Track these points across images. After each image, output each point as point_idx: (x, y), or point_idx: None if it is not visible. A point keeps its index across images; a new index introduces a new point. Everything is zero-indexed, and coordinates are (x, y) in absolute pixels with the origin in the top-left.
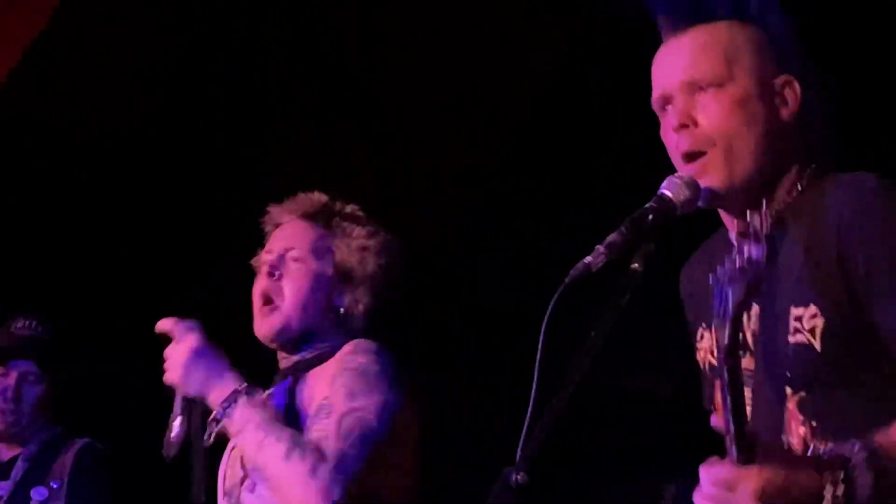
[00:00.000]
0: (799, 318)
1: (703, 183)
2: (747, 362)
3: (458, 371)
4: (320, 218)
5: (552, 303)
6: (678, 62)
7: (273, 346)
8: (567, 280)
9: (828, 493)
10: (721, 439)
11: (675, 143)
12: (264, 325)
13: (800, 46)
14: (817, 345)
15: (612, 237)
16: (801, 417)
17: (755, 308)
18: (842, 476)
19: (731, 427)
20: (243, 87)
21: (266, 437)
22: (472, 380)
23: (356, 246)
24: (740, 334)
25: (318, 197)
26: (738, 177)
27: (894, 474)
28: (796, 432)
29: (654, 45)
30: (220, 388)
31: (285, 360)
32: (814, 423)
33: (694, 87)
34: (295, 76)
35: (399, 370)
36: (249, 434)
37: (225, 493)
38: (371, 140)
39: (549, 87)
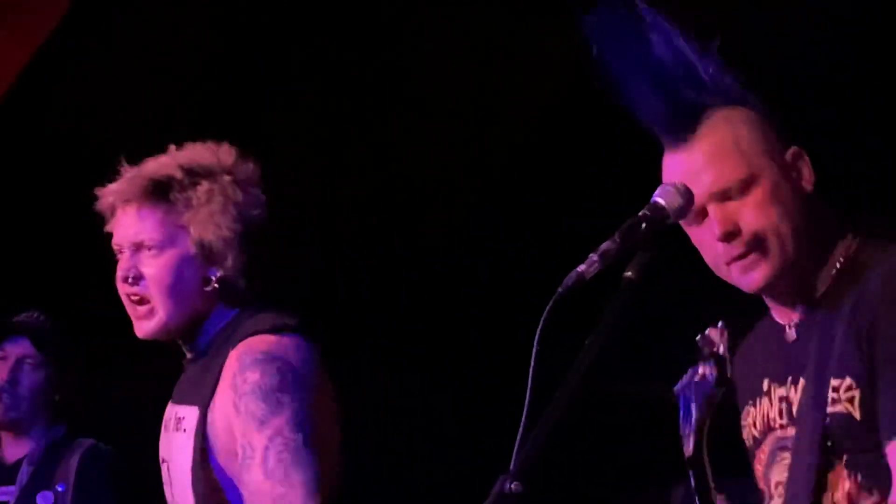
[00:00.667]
0: (836, 389)
1: (755, 275)
2: (789, 432)
3: (456, 377)
4: (159, 194)
5: (546, 311)
6: (699, 178)
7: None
8: (560, 289)
9: None
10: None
11: (722, 250)
12: (144, 329)
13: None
14: (857, 414)
15: (605, 245)
16: (846, 473)
17: (801, 381)
18: None
19: None
20: (258, 93)
21: None
22: (469, 386)
23: (205, 215)
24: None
25: (147, 170)
26: (789, 263)
27: None
28: (842, 489)
29: None
30: None
31: (188, 350)
32: (859, 478)
33: (724, 196)
34: (305, 78)
35: (296, 367)
36: None
37: None
38: (375, 141)
39: (555, 97)
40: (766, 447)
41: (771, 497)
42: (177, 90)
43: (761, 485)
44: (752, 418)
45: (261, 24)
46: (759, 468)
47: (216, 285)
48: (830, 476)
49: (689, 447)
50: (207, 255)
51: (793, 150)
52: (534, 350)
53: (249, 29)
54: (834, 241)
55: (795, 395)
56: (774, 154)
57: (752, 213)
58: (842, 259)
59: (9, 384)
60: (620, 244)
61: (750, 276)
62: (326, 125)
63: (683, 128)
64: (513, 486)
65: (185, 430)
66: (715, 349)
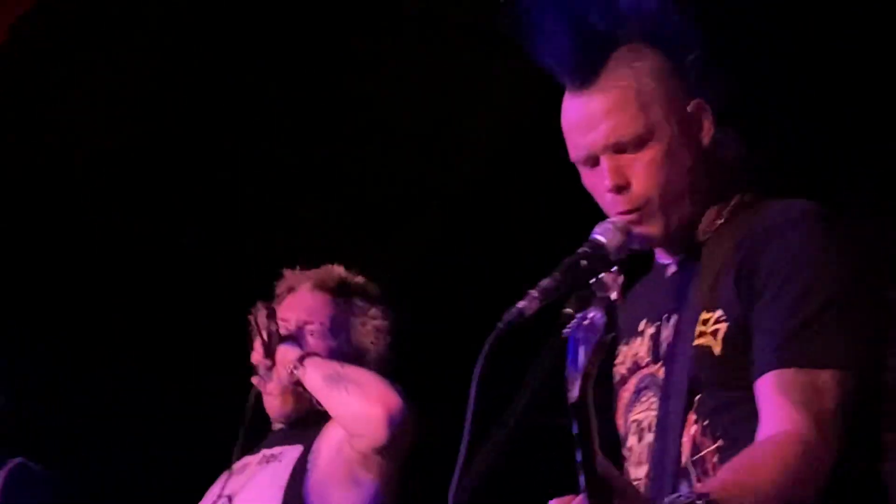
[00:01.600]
0: (706, 322)
1: (640, 231)
2: (658, 370)
3: None
4: (339, 293)
5: (485, 347)
6: (596, 126)
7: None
8: (500, 324)
9: None
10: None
11: (610, 200)
12: (279, 406)
13: (709, 65)
14: (717, 348)
15: (544, 282)
16: (694, 416)
17: (673, 318)
18: None
19: (582, 474)
20: (219, 117)
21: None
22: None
23: (372, 327)
24: (653, 347)
25: (337, 270)
26: (676, 222)
27: None
28: (689, 432)
29: None
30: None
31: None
32: (705, 423)
33: (618, 148)
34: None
35: None
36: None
37: None
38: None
39: (505, 133)
40: (631, 385)
41: (626, 436)
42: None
43: (619, 420)
44: (623, 357)
45: (223, 51)
46: (620, 406)
47: None
48: (688, 417)
49: (574, 392)
50: (356, 358)
51: (696, 102)
52: (473, 385)
53: (211, 55)
54: (729, 195)
55: (667, 332)
56: (676, 106)
57: (643, 172)
58: (731, 208)
59: None
60: (561, 281)
61: (639, 233)
62: (286, 149)
63: (587, 69)
64: None
65: (279, 461)
66: (607, 293)
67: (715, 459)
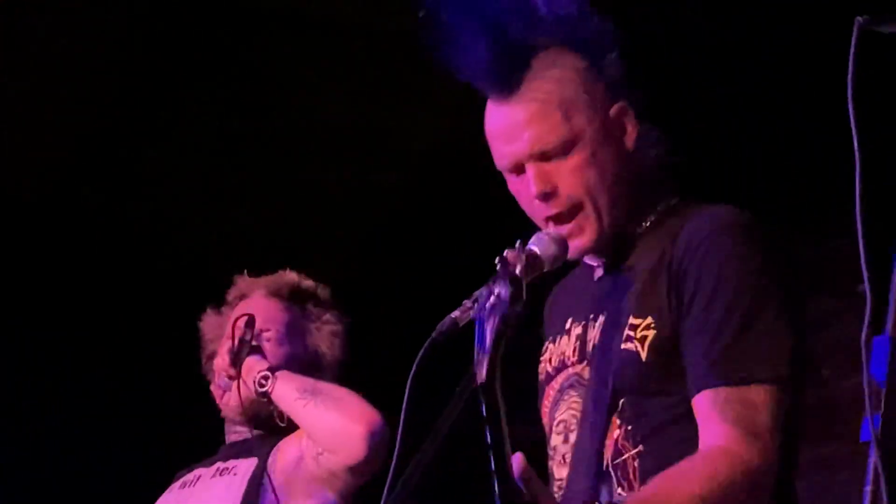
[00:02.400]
0: (634, 328)
1: (576, 242)
2: (583, 370)
3: None
4: (292, 299)
5: (418, 358)
6: (520, 135)
7: (237, 419)
8: (433, 335)
9: None
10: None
11: (538, 208)
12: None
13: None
14: (643, 354)
15: (479, 292)
16: (618, 421)
17: (600, 319)
18: None
19: (493, 466)
20: (149, 127)
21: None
22: None
23: (327, 331)
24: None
25: (289, 276)
26: (609, 226)
27: None
28: (612, 435)
29: None
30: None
31: (235, 435)
32: (629, 427)
33: (543, 156)
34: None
35: None
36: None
37: None
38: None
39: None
40: (556, 384)
41: (551, 435)
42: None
43: (544, 418)
44: (550, 354)
45: (153, 60)
46: (546, 404)
47: None
48: (610, 421)
49: (481, 373)
50: (312, 363)
51: (618, 105)
52: (406, 395)
53: (139, 64)
54: (655, 199)
55: (593, 333)
56: (598, 111)
57: (569, 178)
58: (659, 211)
59: None
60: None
61: (573, 244)
62: (218, 160)
63: (507, 80)
64: None
65: (234, 474)
66: (510, 268)
67: (636, 464)
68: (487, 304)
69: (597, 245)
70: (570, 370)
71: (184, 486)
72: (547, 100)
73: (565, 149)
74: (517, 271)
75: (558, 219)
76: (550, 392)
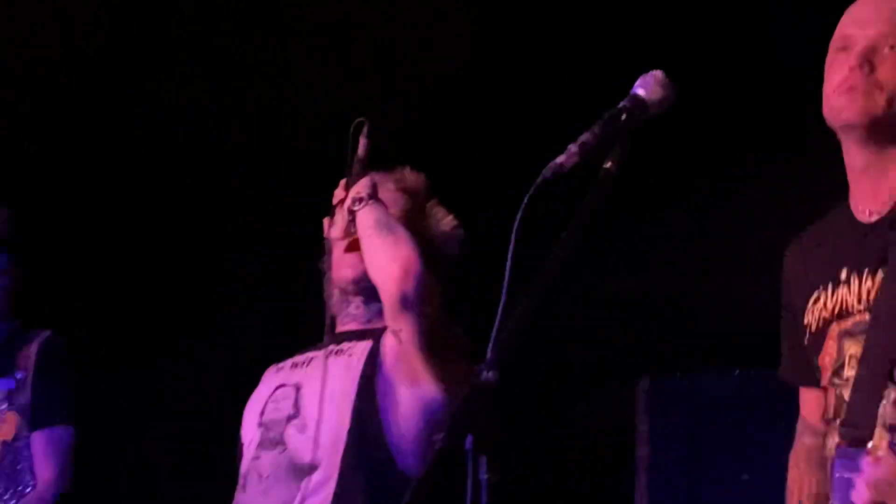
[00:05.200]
0: None
1: (851, 107)
2: (864, 317)
3: None
4: (419, 196)
5: (524, 202)
6: (874, 20)
7: (349, 288)
8: (538, 179)
9: None
10: None
11: (841, 78)
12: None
13: None
14: None
15: (584, 137)
16: None
17: (882, 269)
18: None
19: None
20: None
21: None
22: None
23: (445, 229)
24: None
25: (419, 176)
26: (881, 121)
27: None
28: (890, 396)
29: None
30: None
31: (346, 322)
32: None
33: (881, 43)
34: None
35: None
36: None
37: (261, 424)
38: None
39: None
40: (839, 327)
41: (842, 367)
42: None
43: (825, 359)
44: (824, 302)
45: None
46: (829, 344)
47: None
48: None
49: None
50: (428, 250)
51: None
52: (511, 241)
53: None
54: None
55: (873, 283)
56: None
57: (890, 66)
58: None
59: None
60: (599, 136)
61: (849, 107)
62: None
63: None
64: (489, 375)
65: (350, 355)
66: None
67: None
68: None
69: (862, 121)
70: (856, 318)
71: (295, 366)
72: None
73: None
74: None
75: (854, 88)
76: (834, 333)
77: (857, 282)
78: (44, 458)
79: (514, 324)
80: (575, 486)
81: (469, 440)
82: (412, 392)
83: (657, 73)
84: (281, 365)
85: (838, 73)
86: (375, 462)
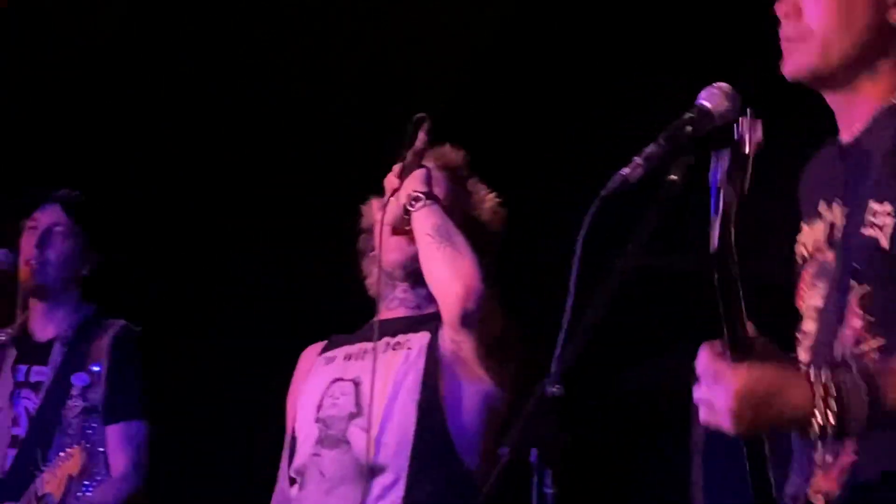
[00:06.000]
0: (875, 213)
1: (790, 62)
2: (831, 256)
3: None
4: (461, 172)
5: (589, 213)
6: None
7: (397, 273)
8: (604, 191)
9: (818, 412)
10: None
11: (781, 25)
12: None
13: None
14: (885, 241)
15: (649, 149)
16: (859, 311)
17: (843, 202)
18: (835, 396)
19: (725, 330)
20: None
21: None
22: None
23: (488, 206)
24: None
25: (459, 152)
26: (827, 69)
27: (891, 405)
28: (851, 324)
29: None
30: None
31: (391, 308)
32: (871, 318)
33: None
34: None
35: None
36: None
37: (318, 420)
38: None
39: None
40: (811, 269)
41: (804, 319)
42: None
43: (800, 303)
44: (805, 237)
45: None
46: (802, 288)
47: None
48: (847, 308)
49: (714, 239)
50: (475, 231)
51: None
52: (577, 252)
53: None
54: None
55: (839, 218)
56: None
57: (815, 11)
58: None
59: (37, 250)
60: (665, 147)
61: (786, 66)
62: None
63: None
64: (554, 389)
65: (409, 348)
66: (737, 139)
67: (875, 357)
68: (720, 170)
69: (810, 75)
70: (820, 256)
71: (349, 358)
72: None
73: None
74: (745, 149)
75: (788, 39)
76: (806, 276)
77: (827, 216)
78: (119, 452)
79: (580, 337)
80: (631, 466)
81: (534, 454)
82: (474, 388)
83: (723, 85)
84: (331, 355)
85: (778, 9)
86: (442, 460)
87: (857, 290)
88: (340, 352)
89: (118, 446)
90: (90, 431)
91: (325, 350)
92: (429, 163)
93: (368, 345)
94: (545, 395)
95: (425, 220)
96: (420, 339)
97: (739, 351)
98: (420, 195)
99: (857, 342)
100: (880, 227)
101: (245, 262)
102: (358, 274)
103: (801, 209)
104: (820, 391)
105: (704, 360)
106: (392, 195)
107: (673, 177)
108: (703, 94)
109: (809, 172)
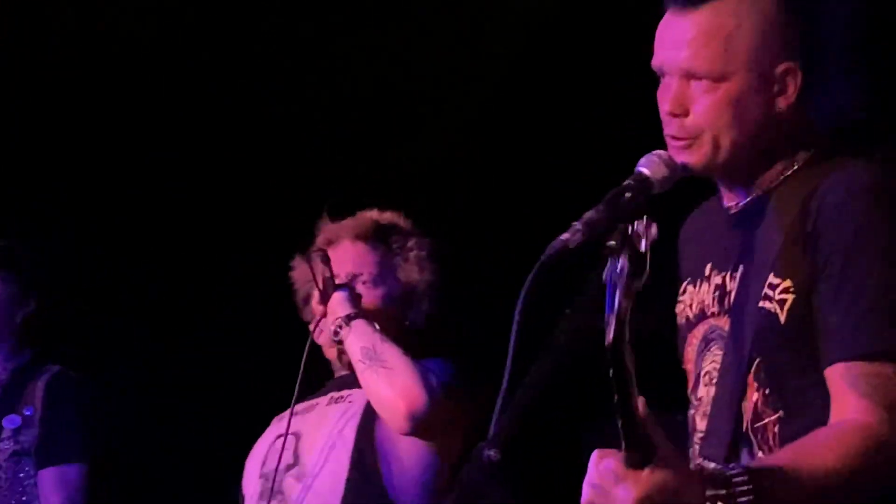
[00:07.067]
0: (773, 287)
1: (683, 159)
2: (723, 322)
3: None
4: (378, 238)
5: (529, 278)
6: (679, 48)
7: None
8: (543, 257)
9: None
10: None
11: (665, 120)
12: (334, 358)
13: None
14: (782, 317)
15: (589, 214)
16: (755, 385)
17: (740, 269)
18: (724, 493)
19: (620, 425)
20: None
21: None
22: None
23: (415, 259)
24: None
25: (369, 216)
26: (720, 164)
27: (780, 496)
28: (751, 397)
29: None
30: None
31: (342, 371)
32: (766, 392)
33: (689, 76)
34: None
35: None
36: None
37: (262, 475)
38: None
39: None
40: (699, 332)
41: (697, 385)
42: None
43: (688, 366)
44: (690, 298)
45: None
46: (689, 350)
47: (407, 325)
48: (747, 380)
49: (609, 335)
50: (408, 296)
51: (786, 65)
52: (515, 318)
53: None
54: (794, 148)
55: (732, 284)
56: (762, 65)
57: (702, 107)
58: (799, 163)
59: None
60: (605, 213)
61: (680, 159)
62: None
63: None
64: (491, 454)
65: (349, 402)
66: (634, 240)
67: (776, 430)
68: (615, 271)
69: (705, 170)
70: (712, 321)
71: (296, 414)
72: (719, 28)
73: (712, 77)
74: (641, 247)
75: (676, 137)
76: (693, 340)
77: (716, 279)
78: (53, 496)
79: (518, 403)
80: None
81: None
82: (414, 449)
83: (662, 153)
84: (284, 413)
85: (663, 104)
86: None
87: (755, 363)
88: (297, 407)
89: (52, 490)
90: (22, 475)
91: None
92: (345, 243)
93: (315, 400)
94: (483, 459)
95: (353, 347)
96: (362, 395)
97: (637, 450)
98: (341, 323)
99: (758, 415)
100: (779, 303)
101: (197, 306)
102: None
103: (682, 268)
104: (711, 494)
105: (602, 462)
106: (319, 321)
107: (612, 242)
108: (642, 160)
109: (691, 232)
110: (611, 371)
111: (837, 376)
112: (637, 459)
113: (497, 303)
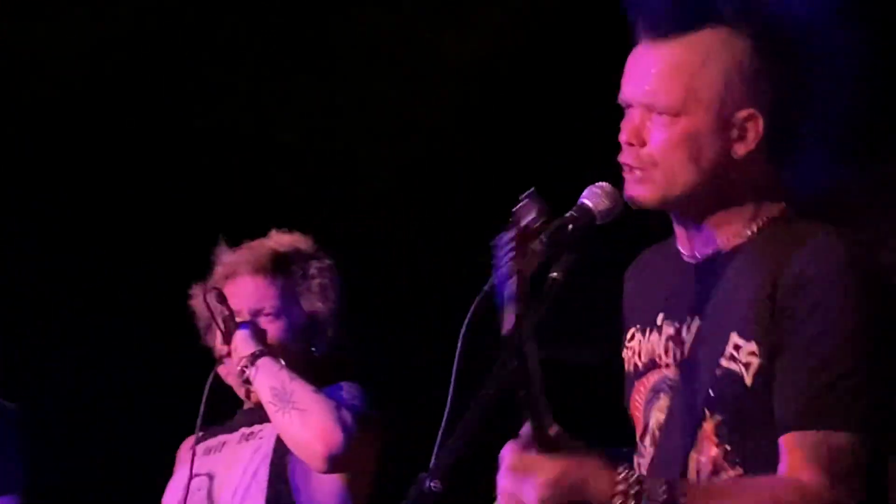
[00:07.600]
0: (738, 348)
1: (631, 192)
2: (672, 372)
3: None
4: (278, 269)
5: (470, 310)
6: (644, 79)
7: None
8: (486, 286)
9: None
10: None
11: (623, 150)
12: (243, 394)
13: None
14: (748, 379)
15: (532, 245)
16: (715, 440)
17: (696, 323)
18: (634, 491)
19: (531, 420)
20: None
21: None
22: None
23: (317, 286)
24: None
25: (267, 245)
26: (672, 201)
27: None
28: (707, 453)
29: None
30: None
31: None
32: (728, 448)
33: (651, 108)
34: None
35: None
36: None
37: None
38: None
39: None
40: (648, 382)
41: (645, 434)
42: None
43: (636, 413)
44: (638, 346)
45: None
46: (637, 398)
47: (314, 352)
48: (699, 433)
49: (507, 325)
50: (314, 324)
51: (749, 111)
52: (458, 348)
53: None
54: (759, 202)
55: (687, 337)
56: (723, 108)
57: (659, 141)
58: (764, 219)
59: None
60: (547, 246)
61: (629, 191)
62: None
63: (667, 26)
64: (432, 484)
65: (260, 438)
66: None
67: None
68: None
69: (654, 205)
70: (663, 371)
71: (208, 452)
72: (683, 66)
73: (670, 112)
74: (554, 275)
75: (630, 166)
76: (642, 388)
77: (668, 330)
78: None
79: (461, 432)
80: None
81: None
82: (328, 484)
83: (605, 185)
84: (195, 447)
85: (622, 134)
86: None
87: (712, 419)
88: (203, 446)
89: None
90: None
91: (198, 441)
92: (244, 269)
93: (225, 437)
94: (424, 490)
95: (262, 388)
96: (272, 430)
97: (545, 442)
98: (247, 363)
99: (716, 470)
100: (744, 365)
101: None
102: None
103: (628, 308)
104: (623, 485)
105: (512, 452)
106: (224, 359)
107: (554, 274)
108: (585, 192)
109: (639, 277)
110: (514, 363)
111: (791, 443)
112: (548, 449)
113: (399, 326)
